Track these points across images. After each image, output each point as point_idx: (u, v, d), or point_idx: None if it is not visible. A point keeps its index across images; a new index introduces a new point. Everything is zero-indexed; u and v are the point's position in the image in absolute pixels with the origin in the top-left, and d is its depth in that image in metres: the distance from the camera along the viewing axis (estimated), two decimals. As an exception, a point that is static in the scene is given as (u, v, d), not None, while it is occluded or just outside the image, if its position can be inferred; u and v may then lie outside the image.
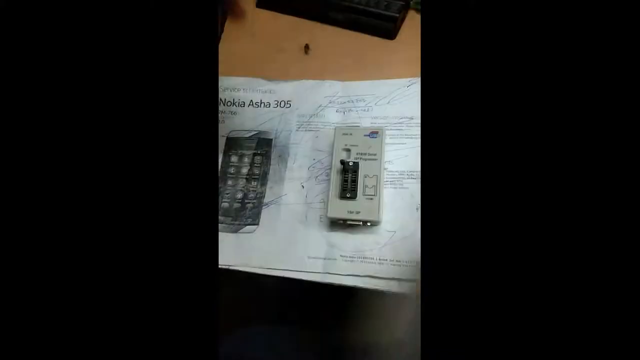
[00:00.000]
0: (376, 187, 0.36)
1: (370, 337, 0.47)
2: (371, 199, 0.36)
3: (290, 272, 0.37)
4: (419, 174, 0.38)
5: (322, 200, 0.39)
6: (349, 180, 0.36)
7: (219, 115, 0.45)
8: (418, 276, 0.34)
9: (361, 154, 0.38)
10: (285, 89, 0.45)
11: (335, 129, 0.39)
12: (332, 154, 0.38)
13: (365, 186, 0.36)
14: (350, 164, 0.37)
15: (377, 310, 0.48)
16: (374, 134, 0.38)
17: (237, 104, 0.45)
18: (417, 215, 0.36)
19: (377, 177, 0.36)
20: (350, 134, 0.39)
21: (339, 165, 0.37)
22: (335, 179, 0.37)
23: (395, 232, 0.36)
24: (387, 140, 0.40)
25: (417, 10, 0.47)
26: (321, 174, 0.40)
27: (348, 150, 0.38)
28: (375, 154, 0.37)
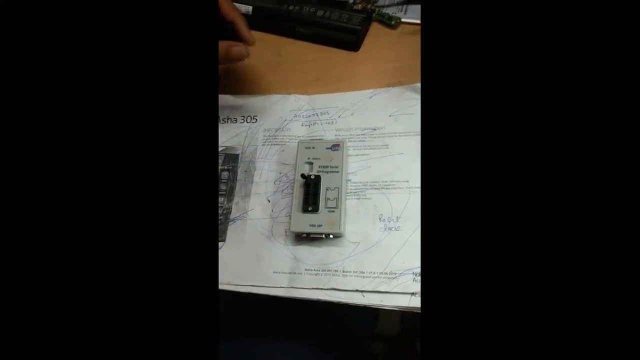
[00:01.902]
0: (338, 200, 0.36)
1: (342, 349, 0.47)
2: (333, 211, 0.36)
3: (256, 287, 0.37)
4: (382, 184, 0.38)
5: (287, 214, 0.39)
6: (310, 193, 0.36)
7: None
8: (382, 288, 0.34)
9: (323, 166, 0.38)
10: (251, 104, 0.46)
11: (298, 142, 0.40)
12: (295, 168, 0.39)
13: (327, 199, 0.36)
14: (312, 177, 0.37)
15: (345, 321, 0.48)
16: (335, 146, 0.39)
17: (204, 120, 0.46)
18: (380, 225, 0.37)
19: (339, 190, 0.37)
20: (313, 148, 0.39)
21: (300, 179, 0.37)
22: (298, 193, 0.37)
23: (359, 243, 0.36)
24: (350, 152, 0.40)
25: (379, 22, 0.48)
26: (287, 187, 0.40)
27: (311, 163, 0.38)
28: (337, 167, 0.38)
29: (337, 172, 0.37)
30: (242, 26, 0.39)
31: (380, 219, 0.37)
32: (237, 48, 0.38)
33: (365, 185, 0.39)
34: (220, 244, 0.39)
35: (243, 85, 0.48)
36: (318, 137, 0.42)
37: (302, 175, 0.37)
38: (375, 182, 0.39)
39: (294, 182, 0.38)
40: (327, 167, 0.38)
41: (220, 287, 0.38)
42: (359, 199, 0.38)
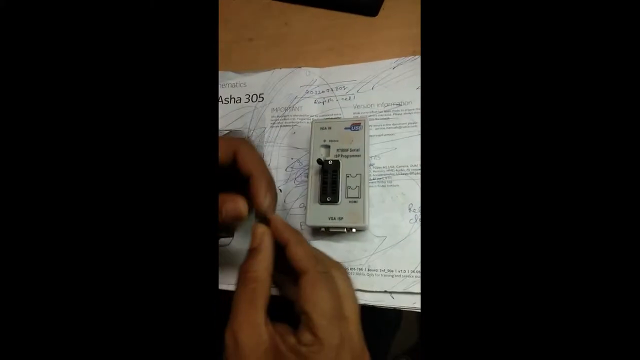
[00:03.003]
0: (360, 188, 0.31)
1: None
2: (355, 201, 0.31)
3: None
4: (410, 168, 0.33)
5: (302, 205, 0.34)
6: (328, 181, 0.31)
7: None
8: (414, 289, 0.29)
9: (342, 150, 0.33)
10: (256, 81, 0.40)
11: (311, 122, 0.35)
12: (310, 152, 0.34)
13: (348, 187, 0.31)
14: (330, 162, 0.32)
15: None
16: (355, 126, 0.33)
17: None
18: (410, 216, 0.32)
19: (361, 176, 0.32)
20: (329, 128, 0.34)
21: (316, 165, 0.32)
22: (314, 181, 0.32)
23: (385, 237, 0.32)
24: (372, 132, 0.35)
25: (400, -20, 0.42)
26: (300, 174, 0.36)
27: (327, 146, 0.33)
28: (358, 150, 0.32)
29: (359, 155, 0.32)
30: (258, 185, 0.27)
31: (409, 209, 0.32)
32: (233, 204, 0.26)
33: (391, 170, 0.34)
34: (227, 240, 0.35)
35: (246, 60, 0.42)
36: (334, 116, 0.37)
37: (318, 161, 0.32)
38: (403, 166, 0.33)
39: (308, 169, 0.34)
40: (346, 150, 0.33)
41: (228, 287, 0.34)
42: (384, 186, 0.33)
